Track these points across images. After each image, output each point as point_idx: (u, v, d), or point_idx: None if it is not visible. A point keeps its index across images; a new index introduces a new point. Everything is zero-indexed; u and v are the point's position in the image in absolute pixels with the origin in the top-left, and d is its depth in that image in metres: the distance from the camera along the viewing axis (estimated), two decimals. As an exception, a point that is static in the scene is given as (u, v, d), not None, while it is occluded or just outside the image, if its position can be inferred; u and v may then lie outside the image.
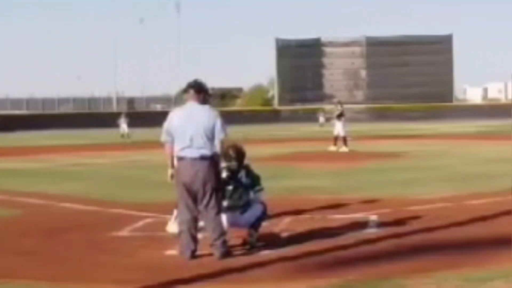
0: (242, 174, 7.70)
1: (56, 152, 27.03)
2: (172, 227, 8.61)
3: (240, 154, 7.74)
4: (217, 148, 7.21)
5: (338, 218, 9.42)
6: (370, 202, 10.85)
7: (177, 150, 7.22)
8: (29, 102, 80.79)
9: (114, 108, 79.52)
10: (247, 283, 6.24)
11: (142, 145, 30.71)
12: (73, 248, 7.94)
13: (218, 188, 7.26)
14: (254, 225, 7.68)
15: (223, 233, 7.19)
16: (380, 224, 8.88)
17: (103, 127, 54.36)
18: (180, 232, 7.33)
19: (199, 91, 7.38)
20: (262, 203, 7.75)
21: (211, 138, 7.15)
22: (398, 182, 14.04)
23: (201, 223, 7.39)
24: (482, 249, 7.33)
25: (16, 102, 79.64)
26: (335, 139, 24.82)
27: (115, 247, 7.92)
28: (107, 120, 57.91)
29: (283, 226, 8.87)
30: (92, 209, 10.95)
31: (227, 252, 7.14)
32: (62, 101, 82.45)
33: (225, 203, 7.50)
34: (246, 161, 7.86)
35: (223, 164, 7.59)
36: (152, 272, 6.61)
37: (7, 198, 12.59)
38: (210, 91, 7.64)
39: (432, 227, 8.52)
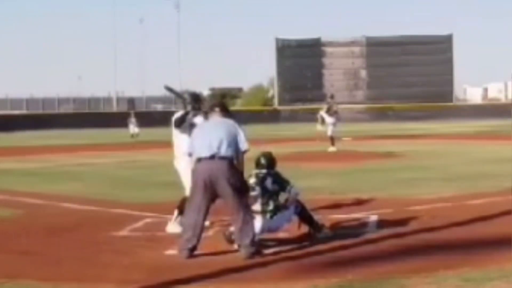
0: (268, 181, 7.92)
1: (56, 152, 27.02)
2: (172, 227, 8.62)
3: (271, 162, 8.10)
4: (239, 158, 7.43)
5: (338, 218, 9.42)
6: (370, 202, 10.86)
7: (197, 153, 7.40)
8: (29, 102, 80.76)
9: (114, 108, 79.50)
10: (247, 283, 6.24)
11: (142, 145, 30.71)
12: (73, 248, 7.94)
13: (242, 189, 7.34)
14: (308, 221, 8.06)
15: (250, 232, 7.21)
16: (380, 224, 8.88)
17: (103, 127, 54.36)
18: (183, 229, 7.40)
19: (224, 110, 7.86)
20: (296, 202, 8.00)
21: (232, 145, 7.34)
22: (398, 182, 14.03)
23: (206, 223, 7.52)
24: (482, 249, 7.33)
25: (16, 102, 79.62)
26: (331, 138, 24.46)
27: (115, 247, 7.92)
28: (107, 120, 57.90)
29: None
30: (92, 209, 10.95)
31: (254, 253, 7.16)
32: (62, 101, 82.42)
33: (253, 207, 7.67)
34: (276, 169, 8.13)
35: (252, 171, 7.96)
36: (152, 272, 6.61)
37: (7, 198, 12.59)
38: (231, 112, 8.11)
39: (432, 227, 8.52)
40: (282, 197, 8.01)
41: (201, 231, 7.30)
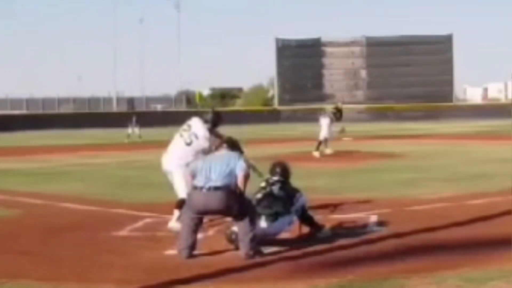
0: (276, 187, 8.07)
1: (56, 152, 27.02)
2: (174, 224, 8.64)
3: (285, 171, 8.31)
4: (238, 181, 7.45)
5: (338, 218, 9.42)
6: (370, 202, 10.85)
7: (195, 180, 7.46)
8: (29, 102, 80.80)
9: (114, 108, 79.51)
10: (247, 283, 6.24)
11: (142, 145, 30.71)
12: (73, 248, 7.94)
13: (241, 208, 7.33)
14: (308, 221, 8.16)
15: (251, 233, 7.22)
16: (380, 224, 8.88)
17: (103, 127, 54.35)
18: (180, 229, 7.48)
19: (231, 147, 8.00)
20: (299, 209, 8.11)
21: (230, 175, 7.40)
22: (398, 182, 14.04)
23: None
24: (482, 249, 7.33)
25: (16, 102, 79.66)
26: (325, 141, 22.91)
27: (115, 247, 7.92)
28: (107, 120, 57.86)
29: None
30: (92, 209, 10.95)
31: (254, 253, 7.17)
32: (62, 101, 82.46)
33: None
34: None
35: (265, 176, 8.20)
36: (152, 272, 6.62)
37: (7, 198, 12.59)
38: (243, 149, 8.23)
39: (432, 227, 8.52)
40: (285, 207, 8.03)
41: (197, 229, 7.39)
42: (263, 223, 7.69)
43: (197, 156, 8.64)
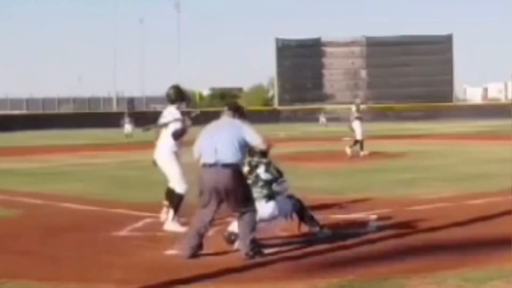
0: (261, 170, 7.92)
1: (56, 152, 27.03)
2: (170, 225, 8.67)
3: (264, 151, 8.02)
4: (261, 146, 7.45)
5: (338, 218, 9.42)
6: (370, 202, 10.85)
7: (202, 158, 7.35)
8: (29, 102, 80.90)
9: (114, 108, 79.53)
10: (247, 283, 6.24)
11: (142, 145, 30.67)
12: (73, 248, 7.94)
13: (245, 194, 7.27)
14: (308, 221, 8.08)
15: (250, 232, 7.17)
16: (380, 224, 8.88)
17: (103, 127, 54.36)
18: (188, 228, 7.46)
19: (232, 109, 7.69)
20: (292, 197, 8.04)
21: (239, 150, 7.22)
22: (398, 182, 14.04)
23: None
24: (482, 249, 7.33)
25: (16, 102, 79.73)
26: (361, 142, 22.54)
27: (115, 247, 7.92)
28: (107, 120, 57.91)
29: (283, 226, 8.86)
30: (92, 209, 10.95)
31: (255, 253, 7.11)
32: (62, 101, 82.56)
33: None
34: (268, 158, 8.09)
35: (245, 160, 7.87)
36: (152, 272, 6.61)
37: (7, 198, 12.58)
38: (245, 111, 7.88)
39: (432, 227, 8.52)
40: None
41: (205, 231, 7.31)
42: (268, 207, 7.70)
43: (181, 142, 8.91)
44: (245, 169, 7.87)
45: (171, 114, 9.15)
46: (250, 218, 7.26)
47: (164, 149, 9.04)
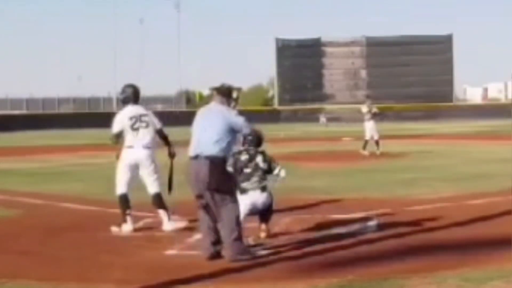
0: (259, 159, 7.98)
1: (56, 152, 27.02)
2: (168, 225, 8.68)
3: (258, 139, 8.14)
4: (245, 130, 7.25)
5: (338, 218, 9.42)
6: (370, 202, 10.85)
7: (189, 152, 7.11)
8: (29, 102, 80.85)
9: (114, 108, 79.52)
10: (247, 283, 6.23)
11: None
12: (73, 248, 7.94)
13: (226, 187, 6.92)
14: (265, 217, 8.00)
15: (232, 231, 6.85)
16: (380, 224, 8.87)
17: (103, 127, 54.31)
18: (201, 232, 7.32)
19: (222, 94, 7.31)
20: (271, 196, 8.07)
21: (223, 139, 6.90)
22: (398, 182, 14.03)
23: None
24: (482, 249, 7.33)
25: (16, 102, 79.69)
26: (377, 142, 22.75)
27: (115, 247, 7.92)
28: (107, 120, 57.93)
29: (282, 226, 8.86)
30: (92, 209, 10.95)
31: (239, 253, 6.83)
32: (62, 101, 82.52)
33: (244, 185, 7.80)
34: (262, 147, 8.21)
35: (241, 147, 7.92)
36: (152, 272, 6.61)
37: (7, 198, 12.58)
38: (235, 95, 7.42)
39: (432, 227, 8.52)
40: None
41: (215, 224, 6.99)
42: (262, 197, 7.77)
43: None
44: (243, 157, 7.91)
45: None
46: (229, 217, 6.86)
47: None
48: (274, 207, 8.16)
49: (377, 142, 22.66)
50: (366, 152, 22.05)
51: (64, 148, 30.56)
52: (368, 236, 8.13)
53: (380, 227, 8.73)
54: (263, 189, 7.92)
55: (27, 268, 6.94)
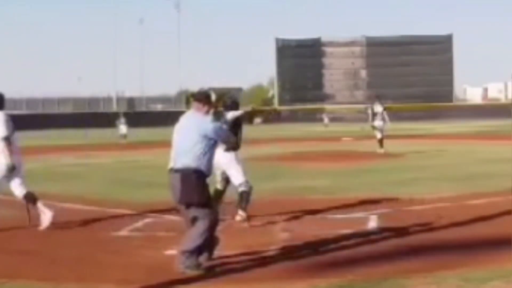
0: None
1: (55, 152, 27.02)
2: None
3: (235, 104, 9.18)
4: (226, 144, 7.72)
5: (338, 218, 9.42)
6: (370, 202, 10.84)
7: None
8: (29, 102, 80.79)
9: (114, 108, 79.57)
10: (247, 283, 6.23)
11: (142, 145, 30.69)
12: (73, 248, 7.94)
13: (200, 200, 6.57)
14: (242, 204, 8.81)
15: (187, 243, 6.53)
16: (380, 224, 8.88)
17: (103, 127, 54.33)
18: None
19: (198, 100, 6.87)
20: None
21: (195, 150, 6.57)
22: (398, 182, 14.03)
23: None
24: (482, 249, 7.33)
25: (16, 102, 79.62)
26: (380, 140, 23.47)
27: (115, 247, 7.91)
28: (107, 120, 57.90)
29: (283, 226, 8.86)
30: (92, 209, 10.94)
31: (185, 266, 6.45)
32: (62, 101, 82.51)
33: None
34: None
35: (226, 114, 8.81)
36: (152, 272, 6.61)
37: (7, 198, 12.56)
38: (213, 98, 6.92)
39: (432, 227, 8.52)
40: None
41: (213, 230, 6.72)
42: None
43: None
44: (230, 116, 8.85)
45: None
46: (196, 229, 6.54)
47: None
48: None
49: (381, 141, 23.34)
50: (382, 151, 22.44)
51: (64, 148, 30.56)
52: (368, 236, 8.13)
53: (380, 227, 8.73)
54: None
55: (27, 268, 6.94)
